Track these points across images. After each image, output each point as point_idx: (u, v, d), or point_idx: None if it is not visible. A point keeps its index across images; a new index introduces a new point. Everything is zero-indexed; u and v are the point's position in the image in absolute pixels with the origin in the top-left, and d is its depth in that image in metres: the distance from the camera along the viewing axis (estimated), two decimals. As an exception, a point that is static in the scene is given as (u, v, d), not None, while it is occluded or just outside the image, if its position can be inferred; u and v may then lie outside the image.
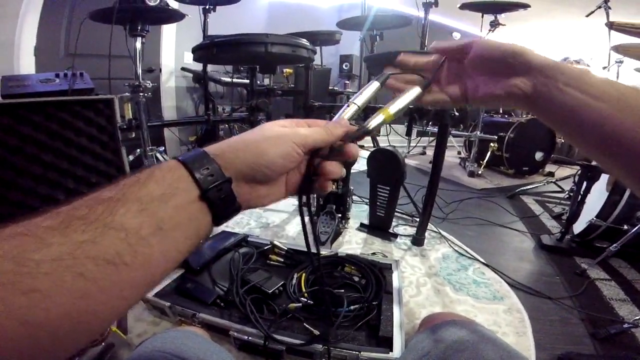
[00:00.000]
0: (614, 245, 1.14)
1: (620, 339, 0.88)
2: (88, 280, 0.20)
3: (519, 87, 0.35)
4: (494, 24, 2.35)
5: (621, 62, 1.83)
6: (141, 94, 1.20)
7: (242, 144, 0.30)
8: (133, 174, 0.25)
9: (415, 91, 0.40)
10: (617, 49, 1.49)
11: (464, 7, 2.28)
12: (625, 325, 0.89)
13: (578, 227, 1.43)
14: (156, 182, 0.25)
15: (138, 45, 1.23)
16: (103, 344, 0.69)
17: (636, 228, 1.12)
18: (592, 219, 1.29)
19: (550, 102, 0.34)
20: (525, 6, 2.15)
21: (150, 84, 1.26)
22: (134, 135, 1.25)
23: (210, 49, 1.01)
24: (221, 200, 0.27)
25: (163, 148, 1.40)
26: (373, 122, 0.37)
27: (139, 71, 1.22)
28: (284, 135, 0.31)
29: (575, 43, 3.68)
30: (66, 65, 1.36)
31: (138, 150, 1.34)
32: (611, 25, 1.31)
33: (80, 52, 1.89)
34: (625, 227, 1.21)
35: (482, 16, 2.41)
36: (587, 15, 1.47)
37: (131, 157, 1.42)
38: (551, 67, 0.34)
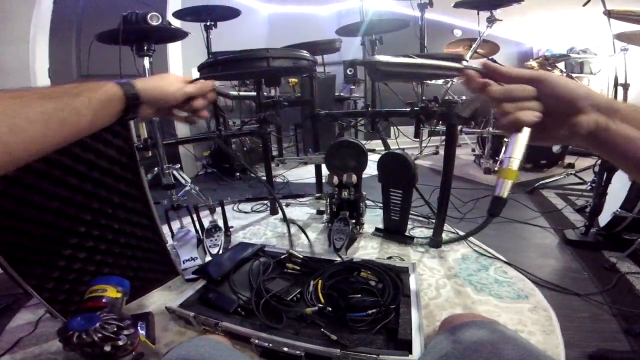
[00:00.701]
0: (644, 236, 1.09)
1: None
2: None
3: (582, 126, 0.36)
4: (491, 20, 2.33)
5: (626, 49, 1.77)
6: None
7: (150, 81, 0.54)
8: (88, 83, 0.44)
9: (526, 133, 0.37)
10: (620, 36, 1.44)
11: (458, 5, 2.27)
12: None
13: (603, 219, 1.38)
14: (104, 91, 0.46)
15: (146, 64, 1.29)
16: (134, 353, 0.72)
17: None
18: (617, 210, 1.24)
19: (608, 138, 0.36)
20: (518, 0, 2.12)
21: (163, 103, 1.31)
22: (150, 154, 1.30)
23: (215, 67, 1.05)
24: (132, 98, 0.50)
25: (179, 165, 1.45)
26: (505, 191, 0.37)
27: None
28: (177, 79, 0.58)
29: (578, 33, 3.57)
30: None
31: (155, 168, 1.39)
32: (609, 14, 1.27)
33: (92, 73, 1.99)
34: (654, 217, 1.16)
35: (478, 13, 2.39)
36: (584, 5, 1.43)
37: (149, 176, 1.48)
38: (609, 105, 0.36)
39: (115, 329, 0.67)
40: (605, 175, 1.25)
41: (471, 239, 1.44)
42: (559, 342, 0.82)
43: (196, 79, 0.62)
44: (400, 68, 0.41)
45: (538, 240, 1.46)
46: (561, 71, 3.00)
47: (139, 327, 0.84)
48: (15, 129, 0.33)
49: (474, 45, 2.50)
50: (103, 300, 0.74)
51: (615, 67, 1.57)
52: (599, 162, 1.50)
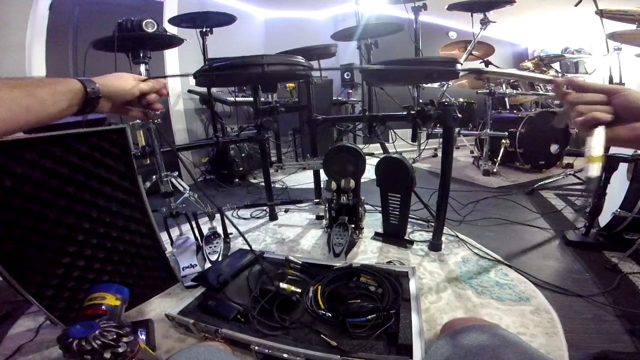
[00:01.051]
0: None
1: None
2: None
3: None
4: (485, 22, 2.36)
5: (620, 49, 1.78)
6: (151, 120, 1.25)
7: (107, 78, 0.61)
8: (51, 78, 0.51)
9: (600, 131, 0.43)
10: (613, 36, 1.46)
11: (451, 7, 2.30)
12: None
13: (603, 219, 1.37)
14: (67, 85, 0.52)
15: (143, 71, 1.29)
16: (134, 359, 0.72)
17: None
18: (616, 210, 1.24)
19: None
20: (510, 2, 2.15)
21: (160, 110, 1.32)
22: (148, 161, 1.30)
23: (210, 74, 1.05)
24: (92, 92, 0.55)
25: (177, 173, 1.45)
26: (595, 172, 0.42)
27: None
28: (130, 76, 0.65)
29: (572, 33, 3.61)
30: None
31: (154, 176, 1.39)
32: (601, 13, 1.29)
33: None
34: (654, 216, 1.16)
35: (472, 15, 2.42)
36: (576, 5, 1.45)
37: (148, 184, 1.48)
38: None
39: (115, 336, 0.67)
40: (604, 175, 1.25)
41: (471, 241, 1.43)
42: (562, 344, 0.81)
43: (148, 78, 0.69)
44: (504, 77, 0.48)
45: (539, 241, 1.46)
46: (556, 71, 3.03)
47: (139, 334, 0.84)
48: None
49: (469, 47, 2.52)
50: (102, 307, 0.74)
51: (609, 67, 1.59)
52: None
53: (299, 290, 0.93)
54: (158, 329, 0.91)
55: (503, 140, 2.62)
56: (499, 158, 2.66)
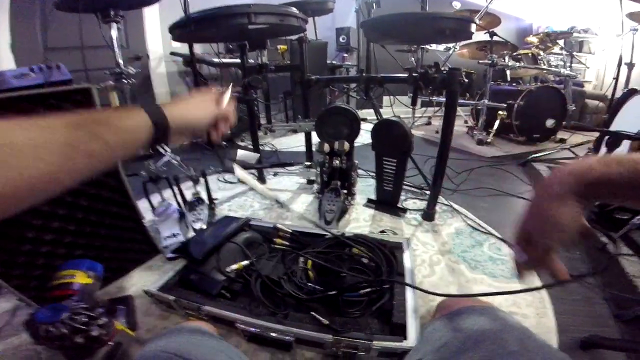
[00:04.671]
0: (638, 217, 1.07)
1: None
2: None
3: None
4: None
5: (636, 29, 1.68)
6: (125, 81, 1.13)
7: (179, 107, 0.49)
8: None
9: None
10: (632, 16, 1.36)
11: None
12: None
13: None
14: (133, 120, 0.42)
15: (114, 32, 1.14)
16: (111, 343, 0.67)
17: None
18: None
19: None
20: None
21: (134, 70, 1.18)
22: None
23: (188, 27, 0.91)
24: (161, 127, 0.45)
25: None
26: None
27: (119, 58, 1.14)
28: (206, 103, 0.54)
29: (579, 12, 3.45)
30: (45, 60, 1.30)
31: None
32: None
33: (59, 45, 1.79)
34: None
35: None
36: None
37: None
38: None
39: (86, 320, 0.61)
40: (605, 152, 1.21)
41: (465, 212, 1.41)
42: (552, 325, 0.81)
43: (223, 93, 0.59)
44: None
45: (531, 215, 1.44)
46: (561, 48, 2.94)
47: (118, 312, 0.79)
48: (38, 162, 0.29)
49: (480, 12, 2.36)
50: (72, 287, 0.67)
51: (621, 47, 1.50)
52: (597, 137, 1.46)
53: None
54: (139, 305, 0.85)
55: (500, 112, 2.58)
56: (494, 129, 2.62)
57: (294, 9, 1.17)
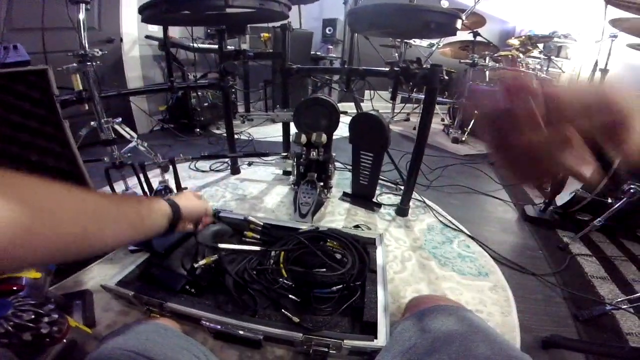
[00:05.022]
0: (599, 219, 1.12)
1: (602, 321, 0.87)
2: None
3: None
4: None
5: (615, 36, 1.76)
6: (89, 63, 1.04)
7: (184, 200, 0.62)
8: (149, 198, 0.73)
9: None
10: (615, 22, 1.40)
11: None
12: (608, 307, 0.88)
13: (562, 198, 1.42)
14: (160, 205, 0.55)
15: (82, 14, 1.03)
16: (64, 340, 0.62)
17: (621, 202, 1.09)
18: (578, 189, 1.27)
19: None
20: None
21: (100, 53, 1.09)
22: (87, 107, 1.10)
23: (159, 7, 0.84)
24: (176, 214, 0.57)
25: (121, 119, 1.24)
26: None
27: (84, 40, 1.04)
28: (202, 201, 0.70)
29: (567, 16, 3.58)
30: (9, 41, 1.19)
31: (92, 122, 1.19)
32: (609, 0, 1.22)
33: (23, 25, 1.63)
34: (610, 200, 1.20)
35: None
36: None
37: (84, 131, 1.27)
38: None
39: (33, 316, 0.56)
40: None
41: (437, 208, 1.43)
42: (515, 325, 0.84)
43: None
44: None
45: (500, 213, 1.49)
46: (540, 52, 3.03)
47: (74, 308, 0.73)
48: (103, 227, 0.39)
49: (468, 10, 2.38)
50: (19, 282, 0.61)
51: (598, 52, 1.55)
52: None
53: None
54: (98, 300, 0.80)
55: (476, 111, 2.62)
56: (469, 128, 2.68)
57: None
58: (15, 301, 0.56)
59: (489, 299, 0.91)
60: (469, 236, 1.24)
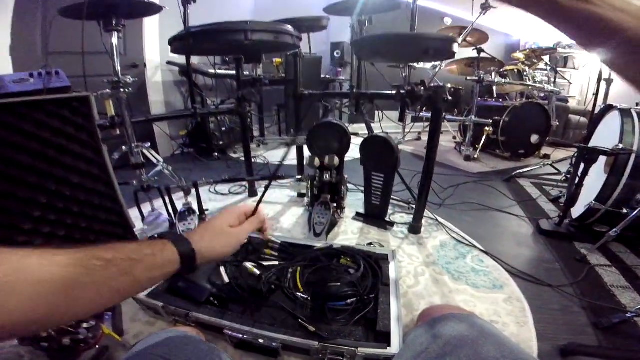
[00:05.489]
0: (614, 230, 1.12)
1: (623, 328, 0.86)
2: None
3: None
4: (485, 7, 2.29)
5: None
6: (122, 89, 1.15)
7: (207, 240, 0.49)
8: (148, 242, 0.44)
9: None
10: None
11: None
12: (629, 315, 0.87)
13: (577, 210, 1.41)
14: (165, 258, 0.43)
15: (114, 40, 1.17)
16: (97, 346, 0.67)
17: (635, 212, 1.09)
18: (591, 202, 1.27)
19: None
20: None
21: (131, 79, 1.21)
22: (118, 132, 1.20)
23: (187, 40, 0.95)
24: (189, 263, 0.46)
25: (149, 144, 1.35)
26: None
27: (118, 67, 1.17)
28: (234, 236, 0.53)
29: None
30: (43, 64, 1.31)
31: (124, 147, 1.30)
32: None
33: (58, 49, 1.81)
34: (625, 210, 1.19)
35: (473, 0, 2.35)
36: None
37: (117, 155, 1.39)
38: None
39: (73, 322, 0.62)
40: (582, 167, 1.27)
41: (450, 225, 1.45)
42: (532, 334, 0.84)
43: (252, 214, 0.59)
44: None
45: (514, 228, 1.49)
46: (546, 64, 3.05)
47: (105, 318, 0.79)
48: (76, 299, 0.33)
49: (466, 30, 2.46)
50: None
51: (601, 62, 1.57)
52: (576, 153, 1.53)
53: (258, 272, 0.91)
54: (126, 311, 0.86)
55: (486, 128, 2.65)
56: (480, 145, 2.69)
57: (289, 27, 1.23)
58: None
59: (503, 310, 0.92)
60: (483, 251, 1.25)
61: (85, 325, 0.63)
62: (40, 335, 0.58)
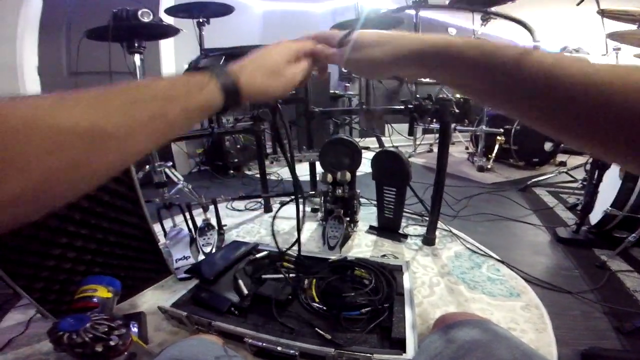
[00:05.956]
0: (633, 235, 1.10)
1: None
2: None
3: None
4: (485, 18, 2.34)
5: (619, 49, 1.79)
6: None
7: (258, 79, 0.42)
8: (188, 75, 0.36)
9: None
10: (613, 36, 1.46)
11: (452, 3, 2.28)
12: None
13: (594, 217, 1.39)
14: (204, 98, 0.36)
15: (137, 61, 1.27)
16: (126, 353, 0.71)
17: (654, 216, 1.08)
18: (608, 208, 1.26)
19: None
20: None
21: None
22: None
23: (205, 68, 1.03)
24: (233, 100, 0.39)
25: (171, 163, 1.43)
26: None
27: None
28: (289, 76, 0.45)
29: (571, 32, 3.63)
30: (70, 84, 1.41)
31: (147, 166, 1.38)
32: (602, 13, 1.29)
33: (82, 69, 1.95)
34: (643, 215, 1.18)
35: (473, 12, 2.40)
36: (578, 4, 1.44)
37: (140, 174, 1.46)
38: None
39: (107, 329, 0.66)
40: (597, 174, 1.26)
41: (464, 236, 1.45)
42: (551, 340, 0.83)
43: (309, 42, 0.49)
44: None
45: (530, 237, 1.48)
46: None
47: (131, 327, 0.83)
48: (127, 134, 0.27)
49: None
50: (94, 300, 0.73)
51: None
52: (590, 160, 1.52)
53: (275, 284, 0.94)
54: (150, 321, 0.90)
55: (498, 137, 2.63)
56: (493, 154, 2.67)
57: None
58: (92, 316, 0.67)
59: (521, 317, 0.91)
60: (499, 260, 1.24)
61: (116, 332, 0.67)
62: (76, 342, 0.62)
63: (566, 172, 2.29)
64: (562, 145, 2.70)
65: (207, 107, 0.37)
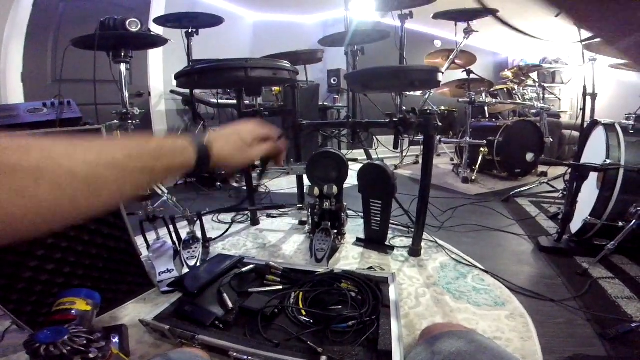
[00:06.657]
0: (612, 243, 1.14)
1: (631, 338, 0.86)
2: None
3: None
4: (468, 31, 2.44)
5: (594, 59, 1.88)
6: (130, 121, 1.22)
7: (226, 151, 0.50)
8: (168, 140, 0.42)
9: None
10: (589, 46, 1.53)
11: (436, 16, 2.38)
12: (634, 324, 0.87)
13: (575, 226, 1.43)
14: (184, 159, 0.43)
15: (123, 70, 1.26)
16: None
17: (630, 225, 1.12)
18: (587, 217, 1.30)
19: None
20: (493, 12, 2.23)
21: (138, 111, 1.29)
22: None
23: (192, 76, 1.03)
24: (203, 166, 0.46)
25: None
26: None
27: (126, 99, 1.25)
28: (247, 155, 0.54)
29: (551, 43, 3.81)
30: (54, 92, 1.37)
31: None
32: (580, 25, 1.36)
33: (67, 78, 1.92)
34: (620, 223, 1.21)
35: (456, 24, 2.50)
36: (556, 16, 1.51)
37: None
38: None
39: (85, 342, 0.64)
40: (575, 184, 1.31)
41: (449, 247, 1.46)
42: (537, 348, 0.83)
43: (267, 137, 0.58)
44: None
45: (514, 247, 1.50)
46: (534, 81, 3.13)
47: (112, 339, 0.81)
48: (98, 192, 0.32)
49: (450, 57, 2.59)
50: (72, 312, 0.71)
51: (584, 77, 1.66)
52: (569, 171, 1.57)
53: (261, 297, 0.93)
54: (132, 334, 0.87)
55: (481, 149, 2.70)
56: (477, 166, 2.73)
57: (286, 63, 1.32)
58: (70, 328, 0.65)
59: (506, 327, 0.92)
60: (483, 270, 1.26)
61: (95, 345, 0.64)
62: (53, 354, 0.60)
63: (547, 183, 2.36)
64: (543, 156, 2.79)
65: (185, 167, 0.43)
